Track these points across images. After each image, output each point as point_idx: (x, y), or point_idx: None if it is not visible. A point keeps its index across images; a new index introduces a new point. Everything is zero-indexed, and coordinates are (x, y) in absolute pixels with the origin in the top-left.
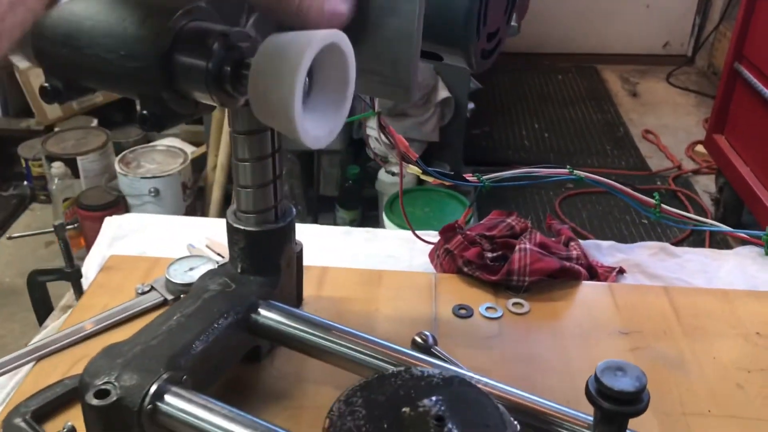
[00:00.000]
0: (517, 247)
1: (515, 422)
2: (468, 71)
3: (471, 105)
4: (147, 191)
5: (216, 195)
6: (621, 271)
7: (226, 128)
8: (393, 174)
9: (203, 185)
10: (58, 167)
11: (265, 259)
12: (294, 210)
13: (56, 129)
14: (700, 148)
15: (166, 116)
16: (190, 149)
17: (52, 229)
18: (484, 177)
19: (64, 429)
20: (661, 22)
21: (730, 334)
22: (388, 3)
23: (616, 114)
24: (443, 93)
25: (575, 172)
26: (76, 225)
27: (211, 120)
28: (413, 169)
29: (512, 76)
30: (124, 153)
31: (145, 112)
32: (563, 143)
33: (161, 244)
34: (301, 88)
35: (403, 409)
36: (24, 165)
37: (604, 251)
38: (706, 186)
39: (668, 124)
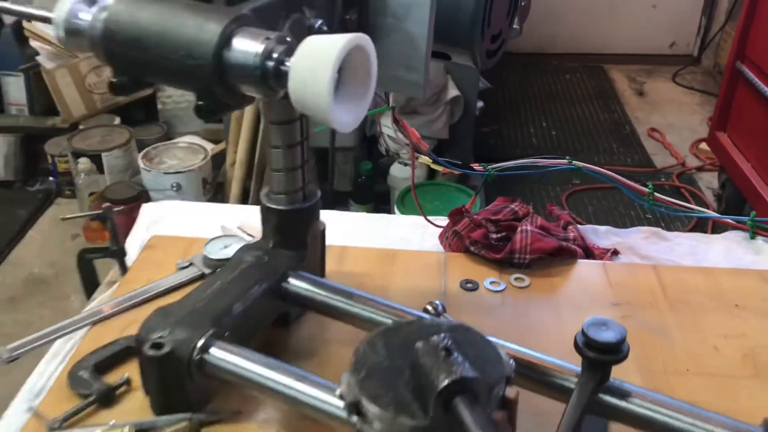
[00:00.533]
0: (519, 229)
1: (511, 361)
2: (477, 71)
3: (480, 103)
4: (169, 186)
5: (235, 190)
6: (615, 253)
7: (245, 126)
8: (405, 164)
9: (222, 181)
10: (84, 163)
11: (293, 235)
12: (318, 192)
13: (81, 127)
14: (704, 145)
15: (218, 107)
16: (209, 146)
17: (101, 210)
18: (490, 167)
19: (121, 380)
20: (668, 23)
21: (711, 306)
22: (402, 10)
23: (622, 113)
24: (453, 92)
25: (574, 162)
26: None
27: (230, 119)
28: (425, 159)
29: (520, 75)
30: (147, 149)
31: (200, 103)
32: (570, 141)
33: (194, 228)
34: (334, 81)
35: (417, 344)
36: (50, 161)
37: (600, 235)
38: (709, 182)
39: (673, 122)
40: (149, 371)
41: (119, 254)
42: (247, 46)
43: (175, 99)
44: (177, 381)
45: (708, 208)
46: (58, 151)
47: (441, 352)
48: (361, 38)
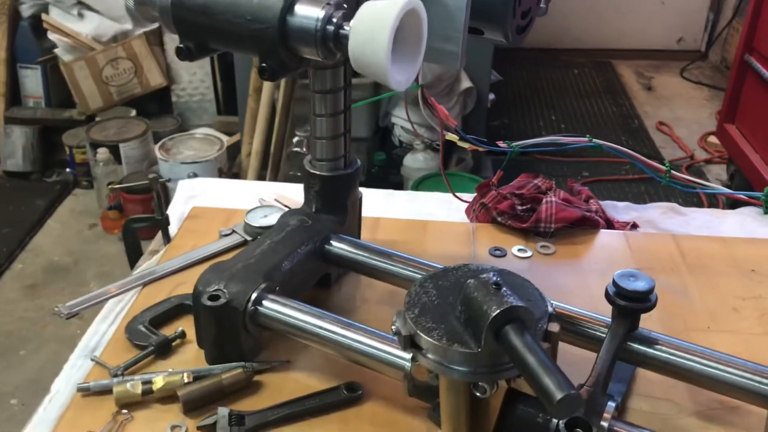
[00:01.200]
0: (544, 200)
1: (551, 301)
2: (489, 63)
3: (492, 96)
4: (186, 175)
5: (250, 180)
6: (634, 226)
7: (260, 119)
8: (424, 149)
9: (237, 171)
10: (102, 153)
11: (335, 201)
12: (359, 161)
13: (97, 118)
14: (712, 138)
15: (280, 69)
16: (224, 138)
17: (147, 181)
18: (513, 144)
19: (175, 333)
20: (676, 18)
21: (728, 272)
22: None
23: (630, 107)
24: (466, 83)
25: (594, 140)
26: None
27: (246, 111)
28: (451, 136)
29: (530, 70)
30: (163, 140)
31: (264, 64)
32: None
33: (230, 203)
34: (391, 43)
35: (468, 281)
36: (68, 152)
37: (619, 210)
38: (717, 174)
39: (681, 116)
40: (205, 322)
41: (164, 223)
42: (308, 12)
43: (189, 92)
44: (232, 331)
45: (717, 201)
46: (75, 142)
47: (491, 286)
48: (415, 2)
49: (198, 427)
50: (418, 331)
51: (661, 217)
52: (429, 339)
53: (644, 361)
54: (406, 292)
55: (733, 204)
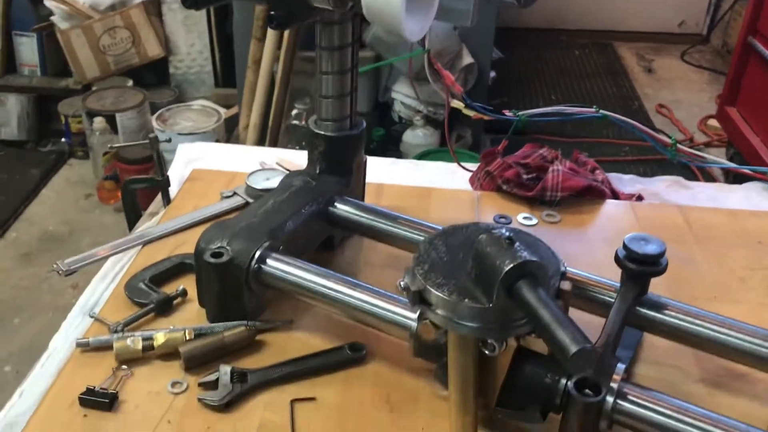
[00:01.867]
0: (550, 168)
1: (563, 263)
2: (491, 39)
3: (492, 73)
4: None
5: None
6: (640, 198)
7: (258, 91)
8: (423, 125)
9: (235, 144)
10: (99, 122)
11: (340, 162)
12: (364, 123)
13: (94, 88)
14: (712, 122)
15: (289, 18)
16: (222, 110)
17: (148, 140)
18: (520, 112)
19: (177, 291)
20: (678, 1)
21: (736, 243)
22: None
23: (631, 88)
24: (467, 59)
25: (601, 111)
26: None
27: (244, 83)
28: (457, 104)
29: (531, 50)
30: (161, 111)
31: (272, 12)
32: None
33: (230, 167)
34: None
35: (480, 236)
36: (64, 121)
37: (625, 182)
38: (716, 157)
39: (682, 99)
40: (208, 280)
41: (164, 184)
42: None
43: (187, 63)
44: (234, 290)
45: (715, 182)
46: (71, 111)
47: (504, 241)
48: None
49: (199, 384)
50: (428, 286)
51: (667, 190)
52: (439, 294)
53: (653, 326)
54: (415, 251)
55: (736, 181)
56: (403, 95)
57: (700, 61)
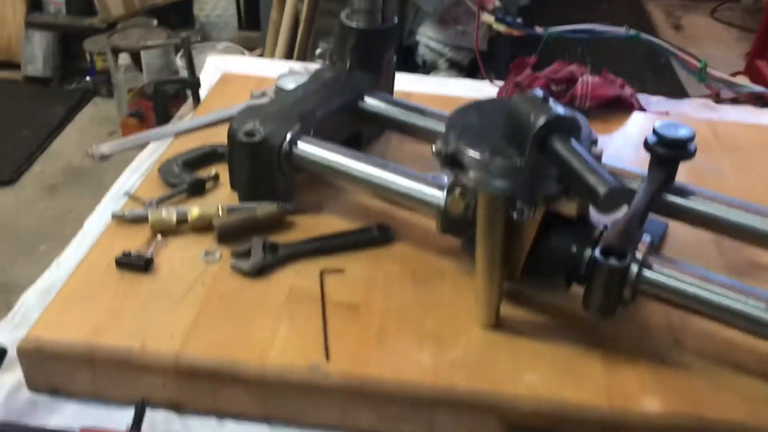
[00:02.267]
0: (580, 79)
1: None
2: None
3: (519, 20)
4: None
5: None
6: (667, 115)
7: (283, 30)
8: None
9: None
10: (124, 59)
11: (370, 57)
12: (396, 18)
13: (119, 26)
14: (740, 78)
15: None
16: (246, 52)
17: (179, 40)
18: (549, 29)
19: (209, 175)
20: None
21: (763, 155)
22: None
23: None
24: (495, 2)
25: (631, 30)
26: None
27: (269, 23)
28: (488, 17)
29: (557, 3)
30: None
31: None
32: (604, 67)
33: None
34: None
35: (513, 97)
36: (89, 59)
37: (652, 103)
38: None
39: (710, 56)
40: (241, 160)
41: (195, 85)
42: None
43: (212, 5)
44: (267, 171)
45: None
46: (97, 48)
47: (539, 100)
48: None
49: (232, 254)
50: (461, 146)
51: (695, 111)
52: (471, 153)
53: (679, 212)
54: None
55: None
56: (427, 38)
57: (730, 18)
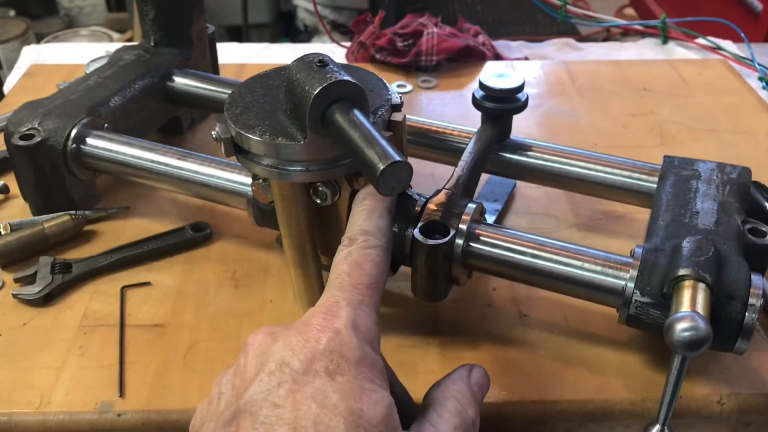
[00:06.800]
0: (425, 32)
1: (399, 95)
2: None
3: None
4: None
5: None
6: (525, 60)
7: None
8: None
9: None
10: None
11: (176, 30)
12: None
13: None
14: (629, 10)
15: None
16: (115, 36)
17: None
18: None
19: None
20: None
21: (619, 91)
22: None
23: None
24: None
25: None
26: None
27: (133, 6)
28: None
29: None
30: (47, 38)
31: None
32: (495, 14)
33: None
34: None
35: (291, 63)
36: None
37: (513, 49)
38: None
39: None
40: (22, 166)
41: None
42: None
43: None
44: (54, 176)
45: None
46: None
47: (315, 65)
48: None
49: (15, 280)
50: (239, 129)
51: (557, 53)
52: (250, 136)
53: (519, 170)
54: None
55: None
56: (305, 1)
57: None
